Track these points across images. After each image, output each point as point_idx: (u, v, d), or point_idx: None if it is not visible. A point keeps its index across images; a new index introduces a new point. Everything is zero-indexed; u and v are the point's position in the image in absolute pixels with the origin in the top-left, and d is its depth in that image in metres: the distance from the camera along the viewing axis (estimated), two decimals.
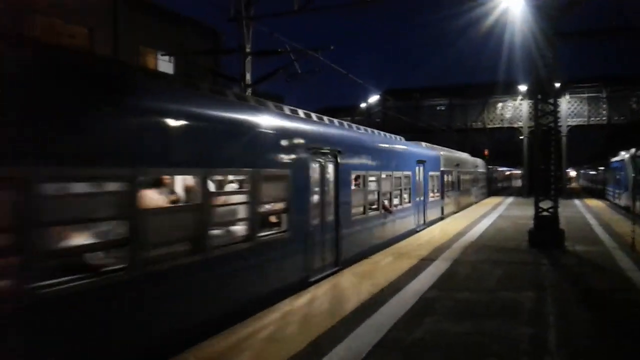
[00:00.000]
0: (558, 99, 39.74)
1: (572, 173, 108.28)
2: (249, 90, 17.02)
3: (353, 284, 9.11)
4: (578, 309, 7.63)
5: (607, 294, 8.71)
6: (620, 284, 9.31)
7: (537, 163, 14.41)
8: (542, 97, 14.43)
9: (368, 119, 43.92)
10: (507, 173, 66.73)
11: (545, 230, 13.53)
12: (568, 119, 41.35)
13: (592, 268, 10.86)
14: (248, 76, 17.41)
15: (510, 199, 35.50)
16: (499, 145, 78.80)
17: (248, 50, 17.25)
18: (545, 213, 13.74)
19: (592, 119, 41.33)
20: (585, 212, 24.89)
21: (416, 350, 5.87)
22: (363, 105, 44.42)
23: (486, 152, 72.28)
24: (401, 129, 39.99)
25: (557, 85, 35.41)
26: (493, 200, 34.52)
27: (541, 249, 12.98)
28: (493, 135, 61.24)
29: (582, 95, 41.38)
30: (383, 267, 10.73)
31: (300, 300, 7.88)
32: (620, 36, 18.95)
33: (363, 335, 6.29)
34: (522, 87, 40.45)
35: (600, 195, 41.60)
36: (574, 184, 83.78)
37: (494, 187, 47.98)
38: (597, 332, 6.62)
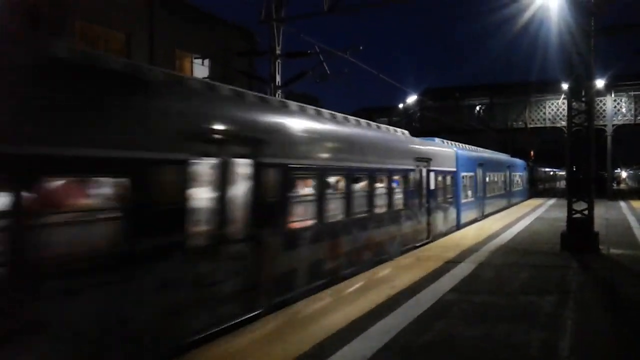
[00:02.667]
0: (603, 97, 38.96)
1: (623, 174, 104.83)
2: (279, 92, 17.15)
3: None
4: (600, 315, 7.38)
5: (635, 300, 8.38)
6: None
7: (569, 163, 13.97)
8: (577, 95, 13.99)
9: (406, 119, 43.50)
10: (551, 174, 65.01)
11: (578, 233, 13.10)
12: (614, 118, 39.94)
13: (623, 273, 10.47)
14: (278, 78, 17.53)
15: (552, 201, 34.58)
16: (546, 146, 76.85)
17: (278, 52, 17.37)
18: (578, 215, 13.31)
19: (639, 117, 39.81)
20: (628, 214, 24.03)
21: (421, 354, 5.78)
22: (401, 105, 44.03)
23: (532, 153, 70.75)
24: (440, 129, 39.56)
25: (602, 83, 34.48)
26: (534, 202, 33.69)
27: (573, 252, 12.58)
28: (539, 135, 59.72)
29: (628, 93, 39.89)
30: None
31: None
32: None
33: (371, 337, 6.24)
34: (566, 86, 39.27)
35: None
36: (623, 185, 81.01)
37: (536, 189, 46.82)
38: (616, 340, 6.38)
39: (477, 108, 45.87)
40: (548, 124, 43.21)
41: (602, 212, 23.12)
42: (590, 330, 6.67)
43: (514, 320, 7.03)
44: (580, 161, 13.73)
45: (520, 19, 17.04)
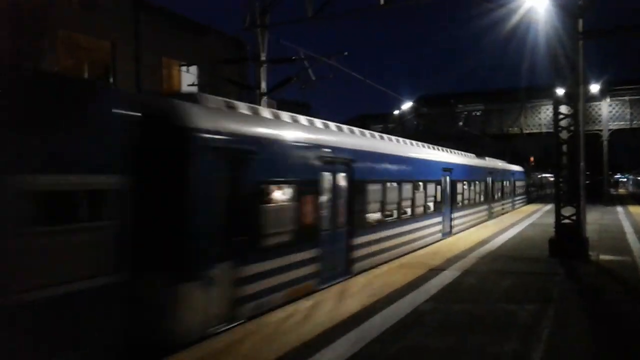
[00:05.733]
0: (599, 102, 38.73)
1: (624, 179, 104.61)
2: (264, 99, 16.93)
3: None
4: (579, 324, 7.10)
5: (617, 307, 8.09)
6: (636, 297, 8.68)
7: (558, 168, 13.72)
8: (566, 99, 13.78)
9: (401, 126, 43.32)
10: (549, 180, 64.70)
11: (567, 239, 12.82)
12: (610, 123, 39.66)
13: (610, 279, 10.19)
14: (264, 84, 17.32)
15: (548, 207, 34.26)
16: (547, 152, 76.29)
17: (263, 58, 17.17)
18: (567, 221, 13.03)
19: (635, 122, 39.50)
20: (624, 219, 23.73)
21: None
22: (396, 112, 43.83)
23: (531, 159, 70.26)
24: (436, 136, 39.29)
25: (597, 88, 34.26)
26: (530, 208, 33.47)
27: (562, 258, 12.31)
28: (539, 141, 59.34)
29: (624, 98, 39.63)
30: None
31: None
32: None
33: (340, 347, 5.98)
34: (560, 91, 39.05)
35: None
36: (622, 190, 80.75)
37: (534, 195, 46.53)
38: (590, 350, 6.11)
39: (473, 114, 45.67)
40: (544, 129, 42.85)
41: (597, 218, 22.89)
42: (566, 340, 6.39)
43: (489, 330, 6.76)
44: (571, 166, 13.48)
45: (509, 25, 16.84)
